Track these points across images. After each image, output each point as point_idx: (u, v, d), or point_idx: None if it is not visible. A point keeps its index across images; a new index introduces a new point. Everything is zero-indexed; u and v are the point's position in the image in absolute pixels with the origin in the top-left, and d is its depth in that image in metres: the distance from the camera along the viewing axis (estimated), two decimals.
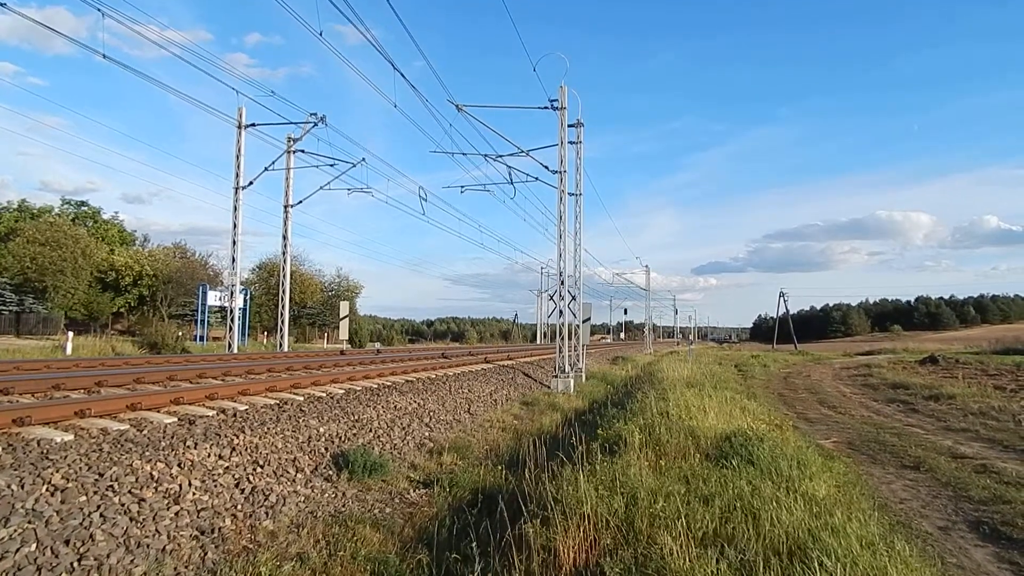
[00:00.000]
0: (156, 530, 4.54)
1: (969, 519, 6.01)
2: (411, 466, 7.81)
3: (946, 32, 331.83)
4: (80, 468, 4.68)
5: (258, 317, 43.23)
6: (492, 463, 7.98)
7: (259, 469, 5.99)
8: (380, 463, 7.09)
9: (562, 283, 18.63)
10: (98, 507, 4.40)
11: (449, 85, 67.91)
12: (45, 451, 4.78)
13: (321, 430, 7.44)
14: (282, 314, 24.31)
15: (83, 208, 46.27)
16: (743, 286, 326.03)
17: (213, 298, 27.82)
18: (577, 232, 19.92)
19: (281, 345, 24.58)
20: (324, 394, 8.94)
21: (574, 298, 20.03)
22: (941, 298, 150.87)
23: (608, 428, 8.03)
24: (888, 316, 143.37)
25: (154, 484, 4.94)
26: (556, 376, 17.63)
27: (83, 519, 4.24)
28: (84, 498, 4.41)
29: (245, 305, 28.48)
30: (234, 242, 22.39)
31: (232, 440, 6.13)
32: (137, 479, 4.88)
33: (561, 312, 19.01)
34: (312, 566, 4.60)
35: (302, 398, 8.36)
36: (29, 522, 3.98)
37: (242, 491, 5.55)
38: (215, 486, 5.38)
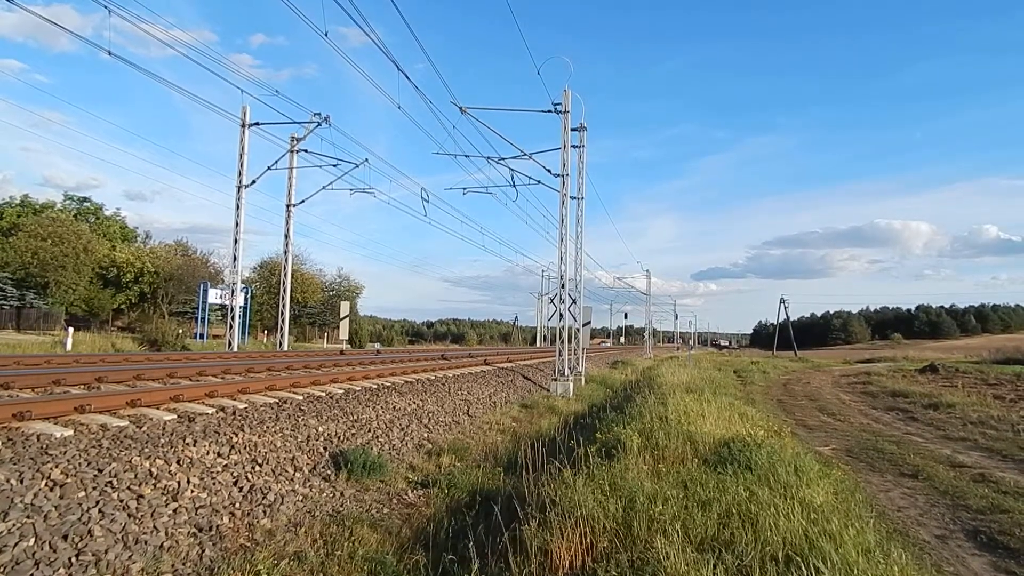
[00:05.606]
0: (154, 527, 4.55)
1: (967, 528, 6.00)
2: (409, 467, 7.82)
3: (948, 44, 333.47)
4: (79, 464, 4.69)
5: (259, 316, 43.33)
6: (490, 465, 7.98)
7: (258, 467, 6.00)
8: (378, 463, 7.09)
9: (563, 286, 18.64)
10: (97, 503, 4.41)
11: (453, 87, 68.20)
12: (45, 446, 4.79)
13: (320, 429, 7.45)
14: (283, 313, 24.34)
15: (85, 204, 46.53)
16: (743, 292, 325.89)
17: (214, 296, 27.87)
18: (578, 236, 19.94)
19: (281, 344, 24.61)
20: (323, 394, 8.95)
21: (574, 301, 20.02)
22: (942, 307, 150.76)
23: (607, 432, 8.02)
24: (888, 324, 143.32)
25: (153, 481, 4.95)
26: (555, 379, 17.63)
27: (82, 515, 4.25)
28: (83, 494, 4.42)
29: (246, 304, 28.49)
30: (236, 240, 22.46)
31: (231, 438, 6.14)
32: (136, 476, 4.89)
33: (561, 315, 19.01)
34: (309, 565, 4.60)
35: (301, 397, 8.37)
36: (28, 516, 3.99)
37: (240, 489, 5.56)
38: (213, 484, 5.38)
